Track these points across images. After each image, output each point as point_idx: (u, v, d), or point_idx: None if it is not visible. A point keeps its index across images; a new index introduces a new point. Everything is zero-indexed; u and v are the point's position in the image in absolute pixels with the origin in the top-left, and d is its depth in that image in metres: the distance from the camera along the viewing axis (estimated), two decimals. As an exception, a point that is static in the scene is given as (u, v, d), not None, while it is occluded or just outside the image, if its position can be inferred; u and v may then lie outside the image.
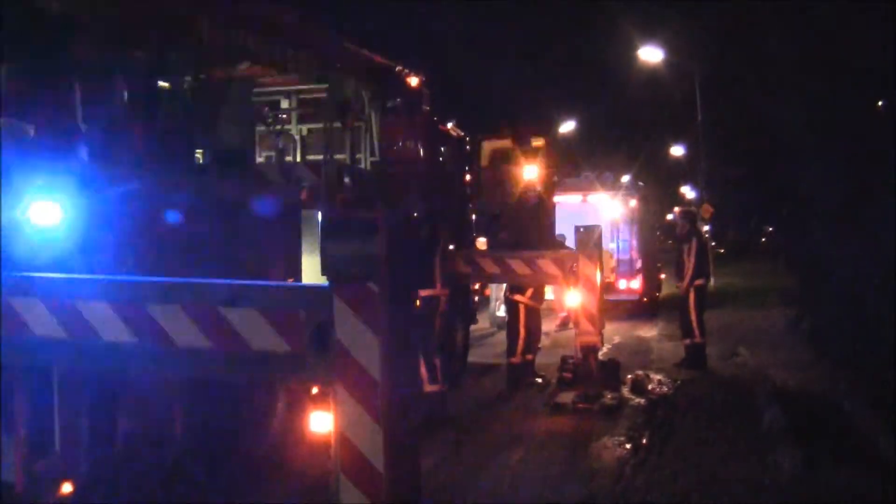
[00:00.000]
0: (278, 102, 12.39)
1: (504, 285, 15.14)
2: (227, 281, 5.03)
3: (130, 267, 6.61)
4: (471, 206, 16.63)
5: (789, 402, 11.79)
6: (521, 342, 13.85)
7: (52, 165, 6.32)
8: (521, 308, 13.93)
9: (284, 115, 12.46)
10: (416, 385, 4.91)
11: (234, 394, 7.34)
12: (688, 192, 58.59)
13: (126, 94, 7.71)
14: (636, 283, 24.29)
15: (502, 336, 15.59)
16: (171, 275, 5.94)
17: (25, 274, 5.49)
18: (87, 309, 5.04)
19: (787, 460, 9.33)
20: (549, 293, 19.72)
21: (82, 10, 7.32)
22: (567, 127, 46.14)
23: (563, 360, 13.41)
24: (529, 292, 13.92)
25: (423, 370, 11.10)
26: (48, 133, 6.72)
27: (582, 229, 12.68)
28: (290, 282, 8.79)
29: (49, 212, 5.99)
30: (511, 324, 14.21)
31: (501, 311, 16.13)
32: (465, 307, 15.03)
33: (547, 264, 12.95)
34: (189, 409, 7.06)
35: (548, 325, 19.71)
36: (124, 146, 7.58)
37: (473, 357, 15.68)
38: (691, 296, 15.45)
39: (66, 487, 5.95)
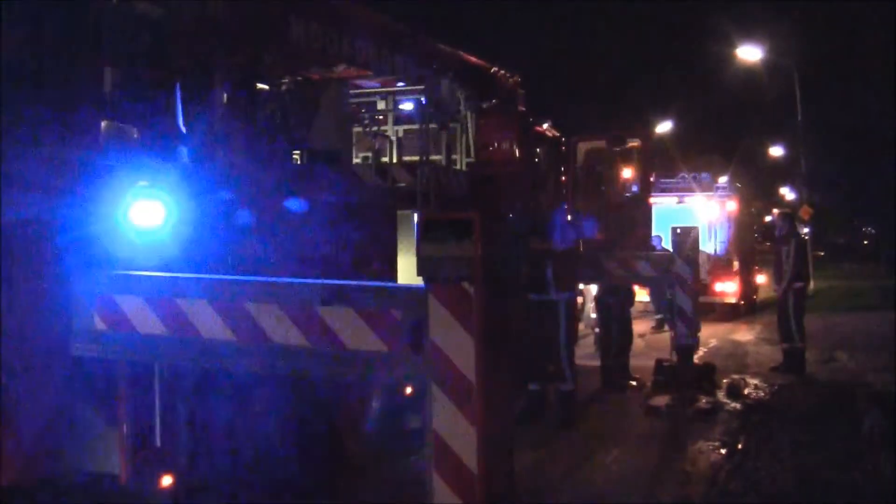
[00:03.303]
0: (375, 104, 12.47)
1: (596, 286, 15.05)
2: (324, 281, 5.10)
3: (229, 266, 6.73)
4: (566, 206, 16.55)
5: (890, 407, 11.54)
6: (613, 344, 13.79)
7: (155, 167, 6.46)
8: (613, 309, 13.88)
9: (381, 117, 12.54)
10: (511, 385, 4.91)
11: (330, 391, 7.42)
12: (787, 193, 57.61)
13: (225, 96, 7.83)
14: (733, 286, 23.93)
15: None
16: (269, 274, 6.04)
17: (129, 272, 5.63)
18: (187, 306, 5.16)
19: (888, 466, 9.14)
20: (644, 295, 19.58)
21: (183, 14, 7.45)
22: (664, 127, 45.70)
23: (658, 362, 13.33)
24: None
25: (565, 370, 11.22)
26: (150, 135, 6.86)
27: (678, 231, 12.56)
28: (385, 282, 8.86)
29: (152, 212, 6.11)
30: (603, 325, 14.14)
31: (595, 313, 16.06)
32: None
33: (642, 266, 12.86)
34: (285, 406, 7.16)
35: (643, 328, 19.57)
36: (224, 148, 7.71)
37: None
38: (790, 299, 15.19)
39: (167, 480, 6.09)
